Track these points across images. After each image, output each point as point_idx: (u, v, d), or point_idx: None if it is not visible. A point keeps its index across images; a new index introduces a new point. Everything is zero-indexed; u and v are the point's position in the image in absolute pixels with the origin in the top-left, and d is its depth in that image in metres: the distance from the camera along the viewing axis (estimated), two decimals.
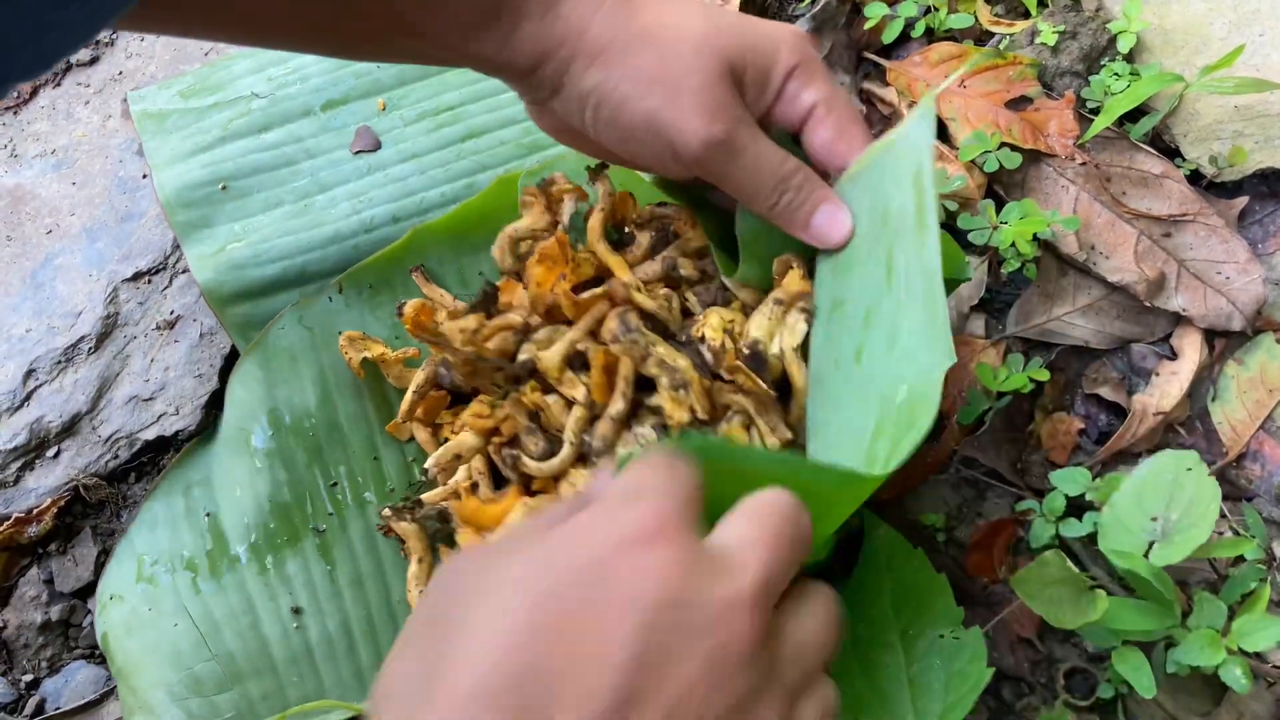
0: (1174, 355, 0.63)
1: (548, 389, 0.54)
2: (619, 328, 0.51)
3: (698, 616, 0.30)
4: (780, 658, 0.32)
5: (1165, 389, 0.62)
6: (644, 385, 0.52)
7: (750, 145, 0.47)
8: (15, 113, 0.75)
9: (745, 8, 0.74)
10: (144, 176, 0.71)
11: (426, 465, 0.56)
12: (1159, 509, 0.52)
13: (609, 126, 0.48)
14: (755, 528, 0.33)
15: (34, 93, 0.77)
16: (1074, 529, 0.56)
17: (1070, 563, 0.53)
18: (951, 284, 0.57)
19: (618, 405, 0.51)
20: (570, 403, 0.53)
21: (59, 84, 0.77)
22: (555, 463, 0.52)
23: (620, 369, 0.51)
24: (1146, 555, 0.52)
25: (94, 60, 0.77)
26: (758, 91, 0.48)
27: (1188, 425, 0.62)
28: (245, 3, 0.45)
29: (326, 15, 0.47)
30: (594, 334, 0.53)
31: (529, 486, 0.54)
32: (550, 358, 0.52)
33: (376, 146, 0.70)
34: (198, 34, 0.50)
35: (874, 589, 0.53)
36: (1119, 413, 0.62)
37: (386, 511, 0.56)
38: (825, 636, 0.34)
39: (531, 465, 0.53)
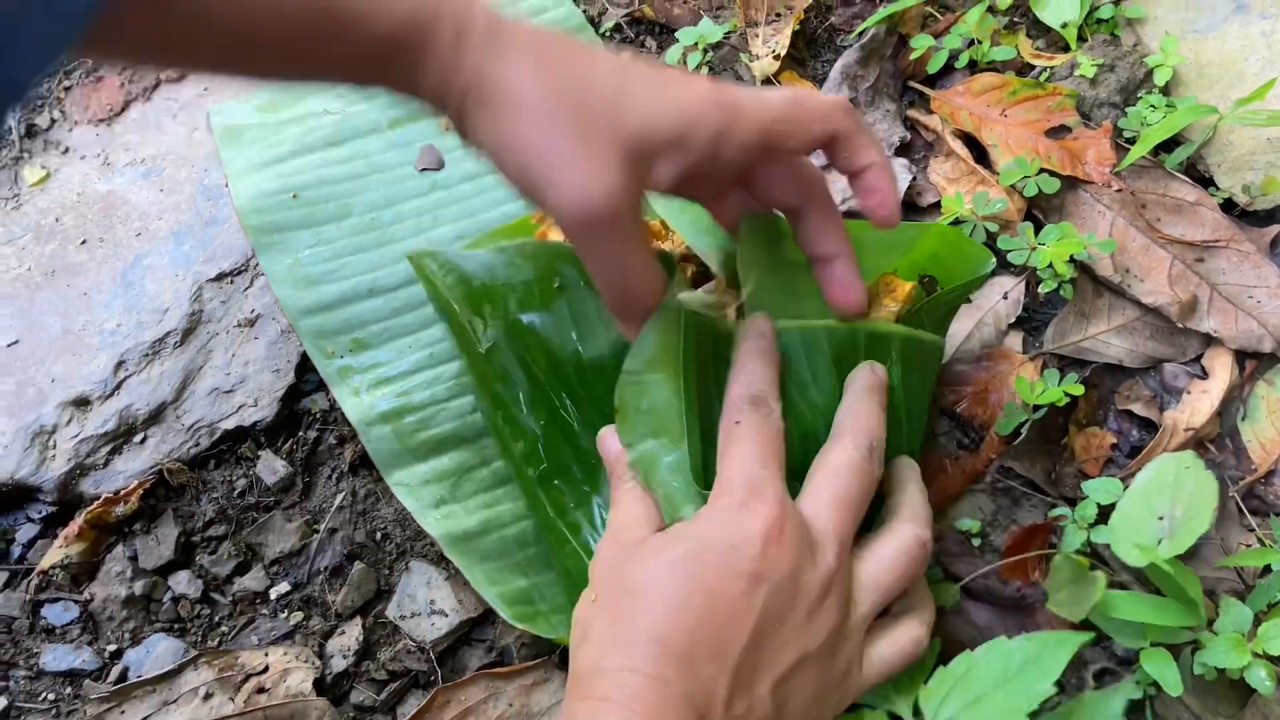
0: (1205, 375, 0.66)
1: None
2: None
3: (803, 585, 0.44)
4: (859, 597, 0.46)
5: (1196, 406, 0.64)
6: None
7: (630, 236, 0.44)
8: (109, 124, 0.81)
9: (795, 40, 0.78)
10: (226, 185, 0.76)
11: None
12: (1164, 508, 0.55)
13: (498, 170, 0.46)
14: (828, 504, 0.46)
15: (125, 106, 0.82)
16: (1104, 535, 0.59)
17: (1083, 559, 0.56)
18: (974, 282, 0.59)
19: None
20: None
21: (149, 99, 0.82)
22: None
23: None
24: None
25: (182, 77, 0.82)
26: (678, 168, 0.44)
27: (1217, 442, 0.65)
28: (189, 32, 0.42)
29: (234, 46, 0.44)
30: None
31: None
32: None
33: (440, 165, 0.74)
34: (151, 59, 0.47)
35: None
36: (1151, 428, 0.65)
37: None
38: (900, 574, 0.48)
39: None
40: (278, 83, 0.48)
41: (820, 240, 0.50)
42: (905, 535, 0.49)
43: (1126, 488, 0.60)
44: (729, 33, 0.79)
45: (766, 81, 0.77)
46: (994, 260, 0.59)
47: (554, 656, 0.59)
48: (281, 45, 0.43)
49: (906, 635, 0.49)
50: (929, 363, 0.58)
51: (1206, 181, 0.70)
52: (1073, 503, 0.62)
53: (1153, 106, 0.71)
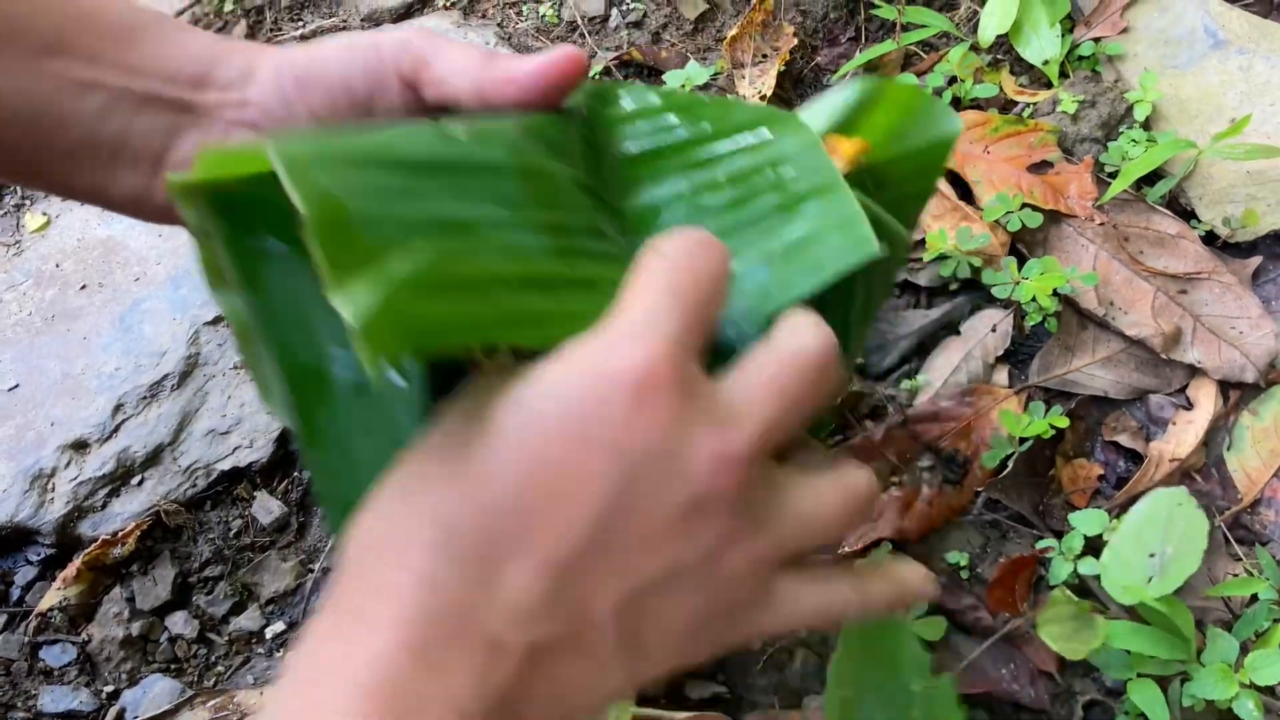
0: (1190, 405, 0.66)
1: None
2: None
3: (681, 468, 0.30)
4: (772, 512, 0.33)
5: (1181, 437, 0.65)
6: None
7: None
8: None
9: (781, 80, 0.80)
10: None
11: None
12: (1156, 545, 0.55)
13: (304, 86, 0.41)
14: (766, 379, 0.32)
15: None
16: (1091, 567, 0.59)
17: (1075, 596, 0.56)
18: (942, 146, 0.45)
19: None
20: None
21: None
22: None
23: None
24: None
25: None
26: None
27: (1203, 472, 0.65)
28: None
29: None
30: None
31: None
32: None
33: None
34: None
35: (852, 658, 0.55)
36: (1138, 459, 0.65)
37: None
38: (835, 511, 0.34)
39: None
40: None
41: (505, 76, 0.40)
42: (854, 478, 0.36)
43: (1113, 519, 0.61)
44: (716, 74, 0.80)
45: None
46: (961, 121, 0.46)
47: None
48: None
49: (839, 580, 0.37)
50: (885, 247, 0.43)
51: (1188, 214, 0.71)
52: (1060, 535, 0.62)
53: (1134, 141, 0.72)
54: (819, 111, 0.43)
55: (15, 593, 0.66)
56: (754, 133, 0.38)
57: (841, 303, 0.40)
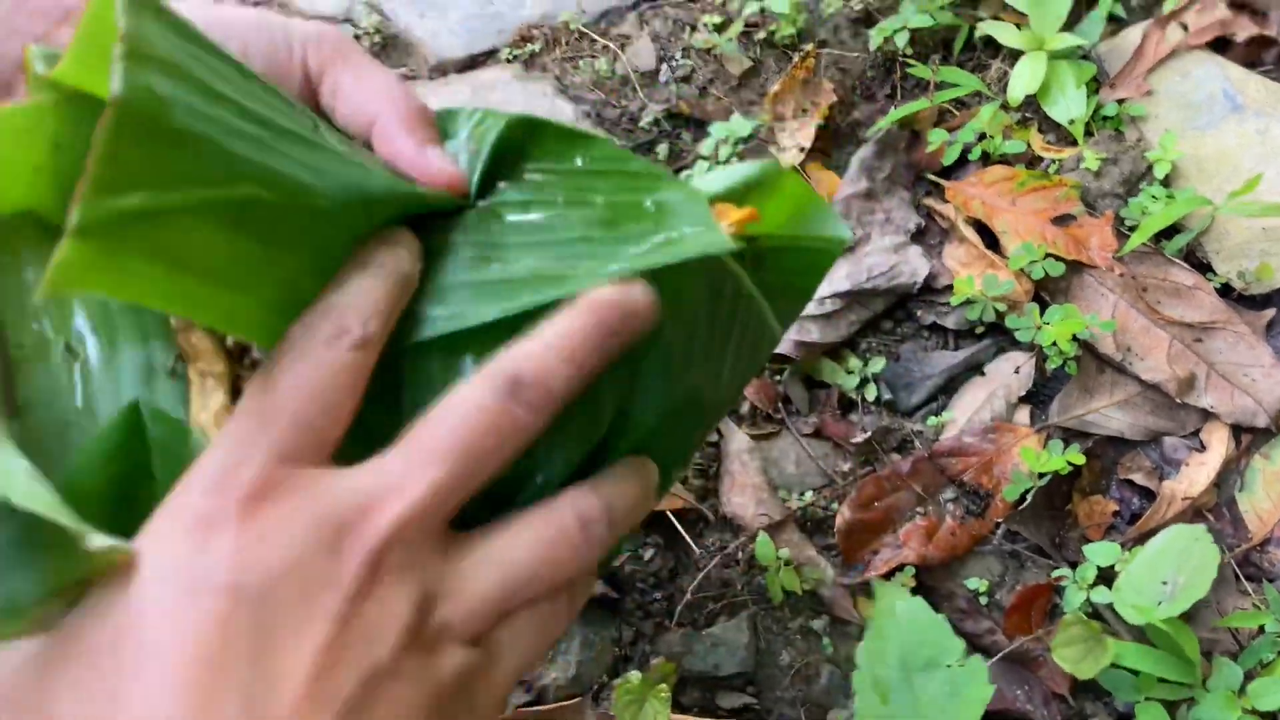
0: (1203, 448, 0.70)
1: None
2: None
3: (320, 574, 0.27)
4: (463, 583, 0.30)
5: (1194, 477, 0.68)
6: None
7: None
8: None
9: (820, 134, 0.85)
10: None
11: None
12: (1169, 574, 0.59)
13: None
14: (417, 449, 0.29)
15: None
16: (1104, 596, 0.63)
17: (1089, 620, 0.60)
18: (822, 255, 0.45)
19: None
20: None
21: None
22: None
23: None
24: None
25: None
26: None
27: (1215, 511, 0.68)
28: None
29: None
30: None
31: None
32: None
33: None
34: None
35: (885, 637, 0.59)
36: (1151, 497, 0.69)
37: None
38: (535, 563, 0.31)
39: None
40: None
41: (395, 141, 0.36)
42: (560, 509, 0.32)
43: (1126, 552, 0.64)
44: (758, 127, 0.86)
45: (794, 171, 0.84)
46: (850, 234, 0.43)
47: (588, 696, 0.64)
48: None
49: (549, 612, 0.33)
50: (747, 330, 0.42)
51: (1204, 267, 0.75)
52: (1075, 565, 0.66)
53: (1153, 197, 0.76)
54: (714, 179, 0.41)
55: None
56: (645, 176, 0.37)
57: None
